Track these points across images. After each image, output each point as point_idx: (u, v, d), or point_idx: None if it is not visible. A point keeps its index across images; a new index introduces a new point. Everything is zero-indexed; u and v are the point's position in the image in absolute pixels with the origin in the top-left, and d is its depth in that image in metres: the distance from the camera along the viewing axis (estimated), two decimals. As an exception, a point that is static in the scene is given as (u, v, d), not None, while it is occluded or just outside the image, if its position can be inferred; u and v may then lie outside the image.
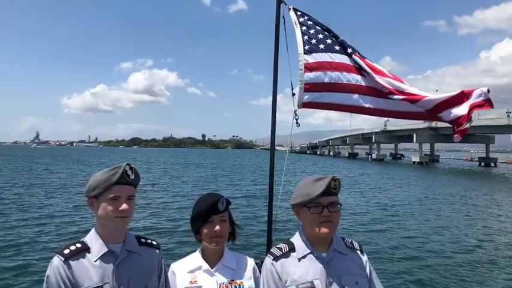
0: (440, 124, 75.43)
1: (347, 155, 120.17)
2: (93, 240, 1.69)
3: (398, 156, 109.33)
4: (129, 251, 1.72)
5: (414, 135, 77.99)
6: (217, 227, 1.83)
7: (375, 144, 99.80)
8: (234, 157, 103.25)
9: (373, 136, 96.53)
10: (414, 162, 76.03)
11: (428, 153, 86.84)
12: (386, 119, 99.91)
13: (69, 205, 16.40)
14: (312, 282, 1.70)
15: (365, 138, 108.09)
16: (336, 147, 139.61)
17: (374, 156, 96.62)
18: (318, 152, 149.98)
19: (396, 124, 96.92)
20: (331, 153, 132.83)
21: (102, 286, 1.62)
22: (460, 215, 16.77)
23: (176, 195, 21.19)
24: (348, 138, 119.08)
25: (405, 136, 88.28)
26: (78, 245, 1.66)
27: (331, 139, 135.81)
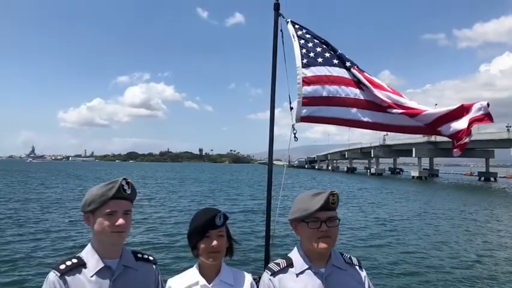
0: (439, 138, 75.80)
1: (345, 169, 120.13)
2: (89, 255, 1.68)
3: (397, 170, 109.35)
4: (125, 267, 1.73)
5: (413, 150, 78.27)
6: (215, 242, 1.82)
7: (374, 159, 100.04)
8: (232, 172, 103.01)
9: (372, 150, 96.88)
10: (413, 176, 76.08)
11: (428, 167, 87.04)
12: (385, 133, 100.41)
13: (65, 220, 16.33)
14: None
15: (364, 152, 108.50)
16: (335, 161, 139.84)
17: (373, 170, 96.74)
18: (316, 167, 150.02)
19: (395, 138, 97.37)
20: (329, 168, 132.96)
21: None
22: (459, 230, 16.79)
23: (173, 210, 21.13)
24: (346, 153, 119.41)
25: (404, 150, 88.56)
26: (74, 261, 1.66)
27: (329, 153, 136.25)
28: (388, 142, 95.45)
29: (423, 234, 15.55)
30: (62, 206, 21.09)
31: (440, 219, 19.72)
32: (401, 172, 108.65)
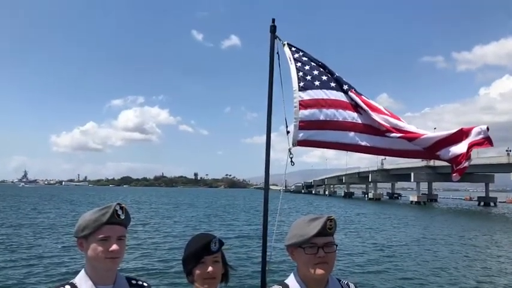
0: (438, 163, 76.18)
1: (343, 194, 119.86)
2: (83, 281, 1.68)
3: (396, 195, 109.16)
4: None
5: (412, 174, 78.59)
6: (210, 268, 1.81)
7: (372, 184, 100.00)
8: (227, 196, 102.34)
9: (370, 175, 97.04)
10: (412, 201, 75.97)
11: (427, 192, 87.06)
12: (383, 157, 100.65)
13: (58, 245, 16.20)
14: None
15: (361, 177, 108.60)
16: (332, 186, 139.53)
17: (370, 195, 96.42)
18: (313, 191, 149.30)
19: (393, 163, 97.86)
20: (326, 193, 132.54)
21: None
22: (458, 255, 16.79)
23: (168, 235, 21.01)
24: (343, 177, 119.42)
25: (403, 175, 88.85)
26: (67, 287, 1.66)
27: (326, 178, 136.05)
28: (386, 166, 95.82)
29: (422, 260, 15.55)
30: (55, 232, 20.92)
31: (439, 245, 19.71)
32: (399, 197, 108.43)
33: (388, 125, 2.92)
